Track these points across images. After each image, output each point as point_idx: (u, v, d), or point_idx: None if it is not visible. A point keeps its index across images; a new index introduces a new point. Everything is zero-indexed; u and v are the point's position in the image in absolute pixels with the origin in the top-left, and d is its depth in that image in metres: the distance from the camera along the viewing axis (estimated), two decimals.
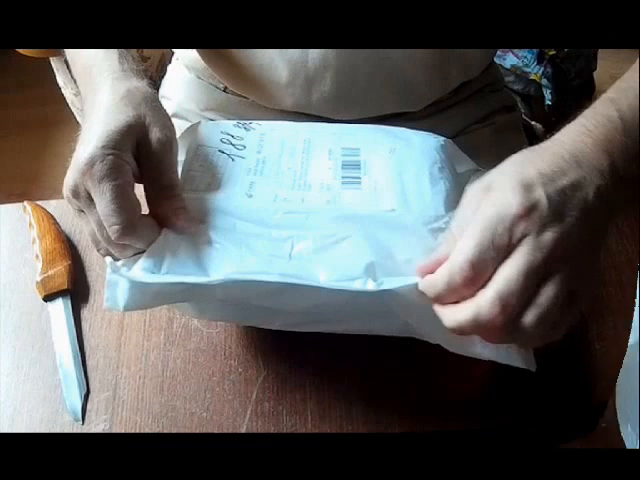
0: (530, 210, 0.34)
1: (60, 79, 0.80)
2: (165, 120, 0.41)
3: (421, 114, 0.62)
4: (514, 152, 0.37)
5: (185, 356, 0.49)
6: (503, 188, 0.35)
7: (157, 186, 0.40)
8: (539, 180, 0.35)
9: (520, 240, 0.34)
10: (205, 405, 0.47)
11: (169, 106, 0.67)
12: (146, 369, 0.48)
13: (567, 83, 0.79)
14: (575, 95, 0.79)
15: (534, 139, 0.79)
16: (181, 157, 0.45)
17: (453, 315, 0.36)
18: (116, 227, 0.37)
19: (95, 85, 0.43)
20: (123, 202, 0.37)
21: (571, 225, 0.34)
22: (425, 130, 0.50)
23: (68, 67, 0.56)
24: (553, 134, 0.38)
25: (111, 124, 0.38)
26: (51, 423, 0.46)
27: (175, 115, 0.65)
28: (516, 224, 0.34)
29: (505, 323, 0.34)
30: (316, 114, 0.59)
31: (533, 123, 0.82)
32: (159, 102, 0.43)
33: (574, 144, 0.36)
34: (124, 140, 0.38)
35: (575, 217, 0.34)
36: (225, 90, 0.63)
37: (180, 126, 0.67)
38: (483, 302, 0.34)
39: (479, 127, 0.66)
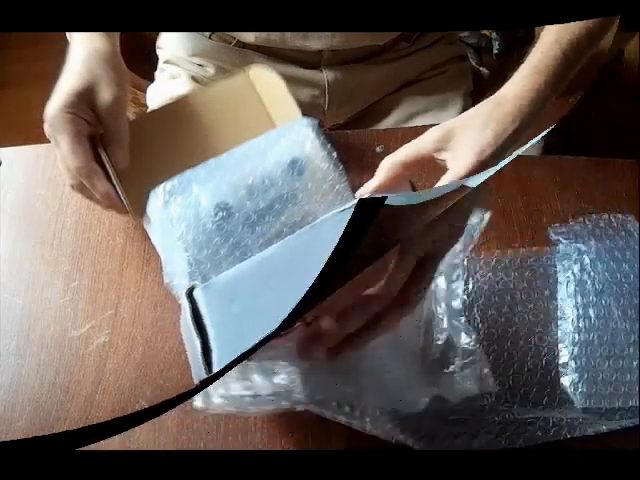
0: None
1: None
2: (116, 79, 0.48)
3: (384, 59, 0.68)
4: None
5: None
6: (462, 153, 0.43)
7: (108, 132, 0.49)
8: (492, 142, 0.43)
9: None
10: None
11: (163, 54, 0.72)
12: (144, 289, 0.53)
13: (512, 35, 0.87)
14: (519, 44, 0.87)
15: (481, 81, 0.87)
16: None
17: None
18: (74, 165, 0.46)
19: (70, 44, 0.50)
20: (76, 147, 0.46)
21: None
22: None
23: None
24: (505, 77, 0.47)
25: (69, 87, 0.47)
26: (60, 339, 0.51)
27: (167, 62, 0.71)
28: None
29: None
30: (289, 47, 0.64)
31: (481, 69, 0.90)
32: (116, 60, 0.50)
33: (531, 87, 0.45)
34: (79, 101, 0.46)
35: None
36: (210, 37, 0.68)
37: (171, 71, 0.72)
38: None
39: (435, 73, 0.73)
